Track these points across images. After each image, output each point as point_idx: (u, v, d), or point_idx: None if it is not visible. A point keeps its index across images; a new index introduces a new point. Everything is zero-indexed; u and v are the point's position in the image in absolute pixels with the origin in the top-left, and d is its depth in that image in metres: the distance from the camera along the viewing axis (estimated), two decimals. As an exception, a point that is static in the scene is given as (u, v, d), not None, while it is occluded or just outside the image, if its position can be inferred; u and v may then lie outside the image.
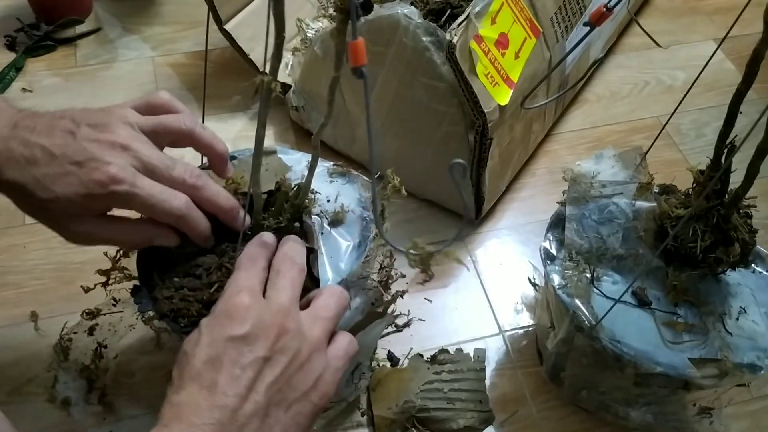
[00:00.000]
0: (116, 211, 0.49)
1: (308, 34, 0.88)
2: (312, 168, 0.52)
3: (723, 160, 0.52)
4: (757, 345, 0.55)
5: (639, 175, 0.62)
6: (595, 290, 0.57)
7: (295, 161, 0.60)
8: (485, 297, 0.74)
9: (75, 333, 0.65)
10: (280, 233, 0.52)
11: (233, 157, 0.59)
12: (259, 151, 0.47)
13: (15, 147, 0.46)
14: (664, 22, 1.06)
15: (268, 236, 0.50)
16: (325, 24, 0.89)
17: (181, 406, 0.40)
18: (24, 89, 0.91)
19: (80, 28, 0.99)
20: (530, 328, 0.71)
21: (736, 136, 0.51)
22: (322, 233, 0.55)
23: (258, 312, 0.43)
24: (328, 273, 0.53)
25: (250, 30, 0.85)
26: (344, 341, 0.47)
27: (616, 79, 0.97)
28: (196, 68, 0.96)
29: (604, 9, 0.48)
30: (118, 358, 0.66)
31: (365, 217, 0.57)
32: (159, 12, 1.03)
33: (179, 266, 0.53)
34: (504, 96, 0.68)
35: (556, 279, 0.57)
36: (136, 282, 0.53)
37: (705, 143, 0.89)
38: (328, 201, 0.57)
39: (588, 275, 0.57)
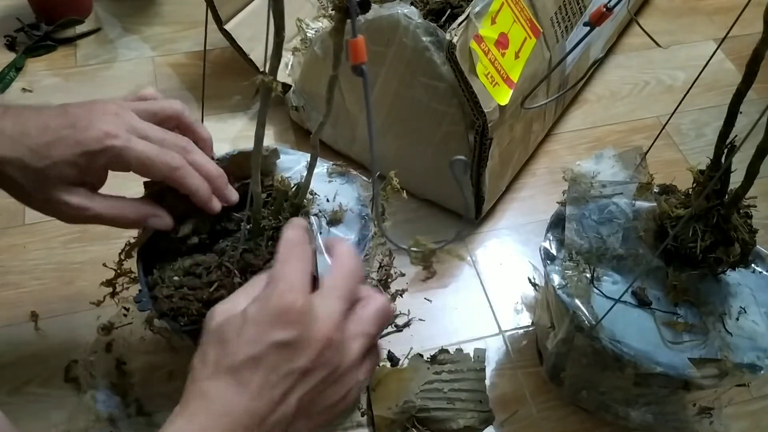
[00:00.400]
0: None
1: (308, 34, 0.88)
2: (311, 167, 0.52)
3: (723, 160, 0.52)
4: (757, 345, 0.55)
5: (639, 175, 0.62)
6: (595, 290, 0.57)
7: (294, 161, 0.60)
8: (485, 297, 0.74)
9: (95, 352, 0.65)
10: (278, 233, 0.52)
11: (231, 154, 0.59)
12: (259, 150, 0.47)
13: (6, 126, 0.46)
14: (664, 22, 1.06)
15: (303, 221, 0.47)
16: (325, 24, 0.89)
17: (212, 398, 0.39)
18: (24, 89, 0.91)
19: (80, 28, 0.99)
20: (530, 328, 0.71)
21: (736, 136, 0.51)
22: (320, 232, 0.55)
23: (308, 320, 0.40)
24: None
25: (250, 30, 0.85)
26: (375, 359, 0.45)
27: (616, 79, 0.97)
28: (196, 68, 0.96)
29: (604, 9, 0.48)
30: (140, 367, 0.65)
31: (364, 215, 0.57)
32: (159, 12, 1.03)
33: (178, 263, 0.52)
34: (504, 96, 0.68)
35: (556, 279, 0.57)
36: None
37: (705, 143, 0.89)
38: (327, 200, 0.57)
39: (588, 275, 0.57)
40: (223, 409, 0.38)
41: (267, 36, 0.40)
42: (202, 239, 0.54)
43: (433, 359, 0.67)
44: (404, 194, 0.55)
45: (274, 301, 0.40)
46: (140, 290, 0.52)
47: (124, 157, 0.48)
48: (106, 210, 0.50)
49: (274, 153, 0.57)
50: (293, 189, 0.55)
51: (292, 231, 0.44)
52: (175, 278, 0.52)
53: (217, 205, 0.52)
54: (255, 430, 0.39)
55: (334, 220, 0.56)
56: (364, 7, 0.38)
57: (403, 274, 0.64)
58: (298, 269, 0.42)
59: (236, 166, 0.55)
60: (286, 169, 0.59)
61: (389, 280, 0.62)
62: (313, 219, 0.56)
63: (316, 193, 0.57)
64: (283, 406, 0.39)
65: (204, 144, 0.54)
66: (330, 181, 0.59)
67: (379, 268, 0.61)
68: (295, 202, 0.54)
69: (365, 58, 0.34)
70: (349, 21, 0.36)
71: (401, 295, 0.65)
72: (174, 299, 0.51)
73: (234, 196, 0.53)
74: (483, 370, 0.66)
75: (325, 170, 0.61)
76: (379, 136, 0.77)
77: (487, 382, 0.66)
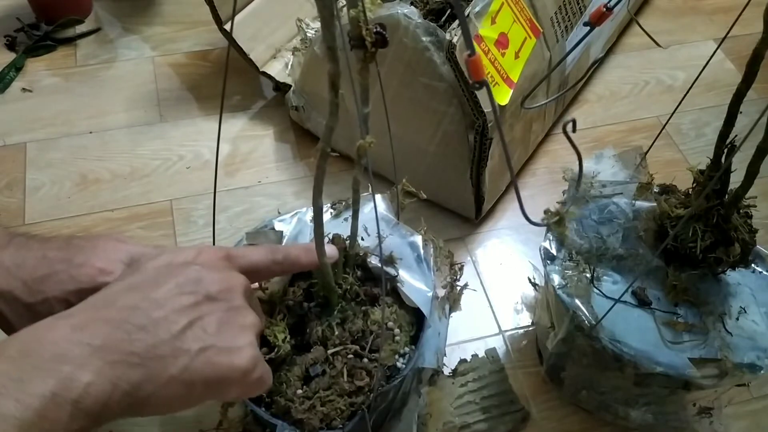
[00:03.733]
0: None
1: (308, 34, 0.88)
2: (355, 213, 0.50)
3: (723, 160, 0.52)
4: (757, 345, 0.55)
5: (639, 175, 0.62)
6: (595, 290, 0.57)
7: (286, 222, 0.59)
8: (485, 297, 0.74)
9: None
10: (365, 299, 0.52)
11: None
12: (320, 222, 0.46)
13: (5, 256, 0.45)
14: (664, 22, 1.05)
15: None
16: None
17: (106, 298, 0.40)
18: (24, 89, 0.91)
19: (80, 28, 0.99)
20: (530, 328, 0.71)
21: (736, 135, 0.51)
22: (402, 283, 0.54)
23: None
24: (420, 293, 0.53)
25: (250, 30, 0.85)
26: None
27: (616, 79, 0.97)
28: (196, 68, 0.96)
29: (604, 9, 0.48)
30: None
31: (408, 240, 0.56)
32: (159, 12, 1.03)
33: (290, 377, 0.50)
34: (504, 96, 0.68)
35: (556, 279, 0.57)
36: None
37: (705, 143, 0.89)
38: (363, 239, 0.56)
39: (588, 275, 0.57)
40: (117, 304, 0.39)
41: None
42: (292, 344, 0.52)
43: (455, 372, 0.66)
44: (422, 195, 0.56)
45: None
46: (277, 426, 0.49)
47: None
48: None
49: (277, 233, 0.56)
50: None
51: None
52: (300, 391, 0.49)
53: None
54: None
55: (389, 260, 0.55)
56: (384, 44, 0.37)
57: (461, 267, 0.62)
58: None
59: None
60: (291, 239, 0.57)
61: (457, 278, 0.61)
62: (371, 261, 0.54)
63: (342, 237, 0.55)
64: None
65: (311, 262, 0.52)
66: (345, 220, 0.57)
67: (450, 268, 0.60)
68: (351, 253, 0.53)
69: (484, 74, 0.33)
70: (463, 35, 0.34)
71: (466, 287, 0.65)
72: (317, 408, 0.48)
73: (331, 253, 0.50)
74: (503, 369, 0.66)
75: (330, 213, 0.59)
76: (378, 137, 0.77)
77: (487, 382, 0.66)
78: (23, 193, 0.80)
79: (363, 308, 0.53)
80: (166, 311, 0.39)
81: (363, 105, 0.42)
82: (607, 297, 0.56)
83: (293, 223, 0.59)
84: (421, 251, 0.56)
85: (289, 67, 0.87)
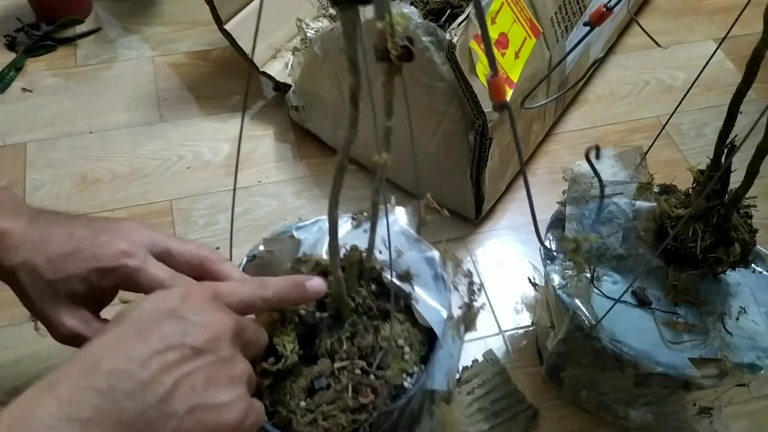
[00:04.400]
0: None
1: (308, 34, 0.88)
2: (373, 225, 0.48)
3: (723, 159, 0.52)
4: (757, 345, 0.55)
5: (639, 175, 0.62)
6: (595, 290, 0.57)
7: (306, 230, 0.57)
8: (485, 297, 0.74)
9: None
10: (378, 313, 0.51)
11: (253, 258, 0.56)
12: (335, 234, 0.45)
13: (32, 231, 0.45)
14: (664, 22, 1.05)
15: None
16: (325, 24, 0.89)
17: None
18: (24, 89, 0.91)
19: (80, 28, 0.99)
20: (530, 328, 0.71)
21: (736, 135, 0.51)
22: (417, 301, 0.53)
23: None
24: (434, 312, 0.52)
25: (250, 30, 0.85)
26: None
27: (616, 79, 0.97)
28: (196, 68, 0.96)
29: (604, 9, 0.48)
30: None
31: (428, 257, 0.55)
32: (159, 12, 1.03)
33: (293, 389, 0.49)
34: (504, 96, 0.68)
35: (556, 279, 0.57)
36: None
37: (705, 143, 0.89)
38: (380, 253, 0.54)
39: (588, 275, 0.57)
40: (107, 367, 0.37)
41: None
42: (300, 354, 0.50)
43: (459, 381, 0.66)
44: (445, 212, 0.55)
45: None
46: None
47: (136, 279, 0.46)
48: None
49: (294, 241, 0.55)
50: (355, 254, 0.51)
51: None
52: (303, 404, 0.48)
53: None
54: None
55: (405, 276, 0.53)
56: (410, 57, 0.36)
57: (480, 285, 0.61)
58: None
59: (261, 270, 0.53)
60: (309, 246, 0.56)
61: (474, 295, 0.60)
62: (400, 283, 0.53)
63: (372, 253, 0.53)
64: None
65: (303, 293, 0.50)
66: (365, 231, 0.55)
67: (468, 288, 0.59)
68: (366, 266, 0.51)
69: (507, 96, 0.33)
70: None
71: (482, 309, 0.63)
72: (319, 423, 0.47)
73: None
74: (504, 370, 0.66)
75: (350, 224, 0.58)
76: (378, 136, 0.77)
77: (487, 382, 0.66)
78: (23, 193, 0.80)
79: (374, 323, 0.52)
80: (152, 371, 0.37)
81: (386, 118, 0.41)
82: (607, 297, 0.56)
83: (314, 231, 0.57)
84: (439, 269, 0.55)
85: (289, 67, 0.87)
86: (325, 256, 0.53)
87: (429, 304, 0.53)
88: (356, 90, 0.39)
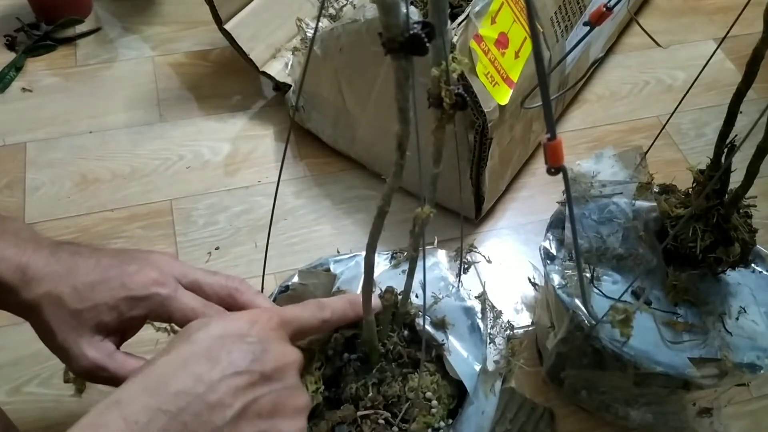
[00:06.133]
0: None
1: (308, 34, 0.88)
2: (411, 270, 0.48)
3: (723, 159, 0.52)
4: (757, 345, 0.55)
5: (639, 175, 0.62)
6: (595, 290, 0.57)
7: (343, 264, 0.56)
8: (487, 298, 0.73)
9: None
10: (408, 361, 0.50)
11: (285, 289, 0.55)
12: (370, 277, 0.44)
13: (58, 261, 0.44)
14: (664, 22, 1.05)
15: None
16: (324, 23, 0.89)
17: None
18: (24, 89, 0.91)
19: (80, 28, 0.99)
20: (530, 328, 0.71)
21: (736, 135, 0.51)
22: (449, 353, 0.52)
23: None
24: (467, 365, 0.50)
25: (250, 30, 0.85)
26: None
27: (616, 79, 0.97)
28: (196, 68, 0.96)
29: (604, 9, 0.48)
30: None
31: (467, 306, 0.54)
32: (159, 12, 1.03)
33: None
34: (504, 96, 0.68)
35: (556, 279, 0.57)
36: None
37: (705, 143, 0.89)
38: (416, 297, 0.53)
39: (588, 275, 0.57)
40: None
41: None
42: (325, 395, 0.50)
43: None
44: (489, 258, 0.54)
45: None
46: None
47: (167, 308, 0.45)
48: (128, 375, 0.43)
49: (330, 276, 0.54)
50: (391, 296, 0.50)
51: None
52: None
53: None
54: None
55: (440, 324, 0.52)
56: (464, 106, 0.34)
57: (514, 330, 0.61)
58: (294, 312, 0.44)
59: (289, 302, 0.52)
60: (345, 282, 0.55)
61: (512, 355, 0.58)
62: (418, 324, 0.51)
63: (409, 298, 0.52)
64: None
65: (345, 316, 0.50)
66: (404, 272, 0.52)
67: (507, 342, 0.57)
68: (400, 311, 0.50)
69: (563, 160, 0.31)
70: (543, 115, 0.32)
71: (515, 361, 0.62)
72: None
73: (373, 304, 0.48)
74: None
75: (390, 262, 0.57)
76: (380, 137, 0.77)
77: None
78: (23, 192, 0.80)
79: (403, 371, 0.51)
80: (221, 394, 0.37)
81: (434, 165, 0.40)
82: (607, 297, 0.56)
83: (351, 266, 0.56)
84: (477, 320, 0.54)
85: (289, 66, 0.87)
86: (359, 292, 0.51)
87: (462, 355, 0.52)
88: (404, 138, 0.37)
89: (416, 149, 0.36)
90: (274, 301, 0.53)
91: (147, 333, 0.48)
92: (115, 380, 0.44)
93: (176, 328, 0.48)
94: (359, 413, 0.49)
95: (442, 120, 0.35)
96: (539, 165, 0.86)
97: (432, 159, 0.39)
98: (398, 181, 0.38)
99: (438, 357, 0.52)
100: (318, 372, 0.50)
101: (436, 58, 0.33)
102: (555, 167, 0.32)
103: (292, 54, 0.88)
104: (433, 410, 0.50)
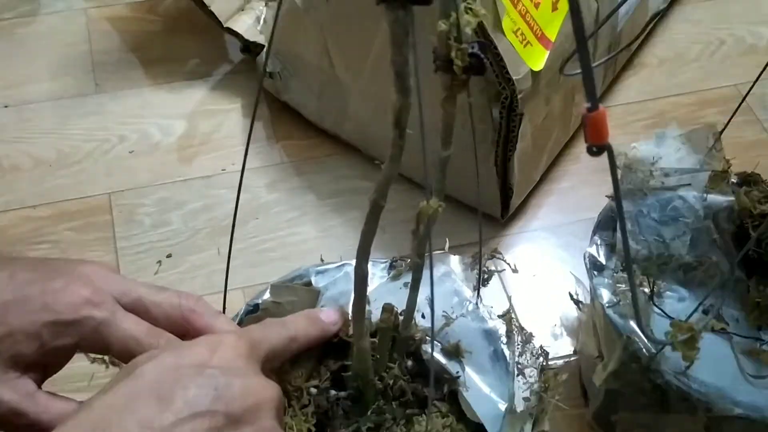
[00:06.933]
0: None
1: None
2: (415, 282, 0.47)
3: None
4: None
5: (712, 161, 0.62)
6: (656, 309, 0.57)
7: (328, 276, 0.57)
8: (514, 318, 0.73)
9: None
10: (412, 400, 0.50)
11: (254, 308, 0.55)
12: (363, 293, 0.44)
13: None
14: (744, -37, 1.06)
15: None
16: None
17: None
18: None
19: (-8, -28, 0.99)
20: (572, 359, 0.71)
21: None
22: (467, 389, 0.52)
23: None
24: (488, 404, 0.51)
25: (211, -28, 0.85)
26: None
27: (683, 37, 0.97)
28: (141, 23, 0.96)
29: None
30: None
31: (488, 328, 0.54)
32: (93, -50, 1.03)
33: None
34: (538, 59, 0.68)
35: (606, 295, 0.57)
36: None
37: (797, 119, 0.89)
38: (423, 317, 0.53)
39: (647, 290, 0.57)
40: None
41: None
42: None
43: None
44: (514, 266, 0.55)
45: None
46: None
47: (103, 335, 0.44)
48: (53, 421, 0.43)
49: (312, 292, 0.55)
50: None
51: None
52: None
53: None
54: None
55: (453, 351, 0.53)
56: (480, 70, 0.35)
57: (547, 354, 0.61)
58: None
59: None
60: (331, 299, 0.55)
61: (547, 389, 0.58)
62: (427, 352, 0.52)
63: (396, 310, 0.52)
64: None
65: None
66: (405, 285, 0.52)
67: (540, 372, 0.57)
68: (402, 336, 0.50)
69: (608, 136, 0.30)
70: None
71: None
72: None
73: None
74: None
75: (388, 272, 0.57)
76: (378, 112, 0.77)
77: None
78: None
79: (407, 412, 0.51)
80: None
81: (443, 147, 0.40)
82: (671, 318, 0.56)
83: (338, 278, 0.56)
84: (501, 345, 0.54)
85: (261, 21, 0.87)
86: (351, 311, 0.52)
87: (482, 392, 0.52)
88: (402, 112, 0.37)
89: (420, 126, 0.35)
90: (239, 324, 0.53)
91: (78, 365, 0.48)
92: (36, 428, 0.44)
93: (116, 360, 0.48)
94: None
95: (453, 88, 0.36)
96: (584, 148, 0.85)
97: (441, 139, 0.39)
98: (396, 167, 0.38)
99: (451, 394, 0.52)
100: (303, 411, 0.50)
101: (445, 8, 0.32)
102: (597, 145, 0.31)
103: (265, 5, 0.88)
104: None
